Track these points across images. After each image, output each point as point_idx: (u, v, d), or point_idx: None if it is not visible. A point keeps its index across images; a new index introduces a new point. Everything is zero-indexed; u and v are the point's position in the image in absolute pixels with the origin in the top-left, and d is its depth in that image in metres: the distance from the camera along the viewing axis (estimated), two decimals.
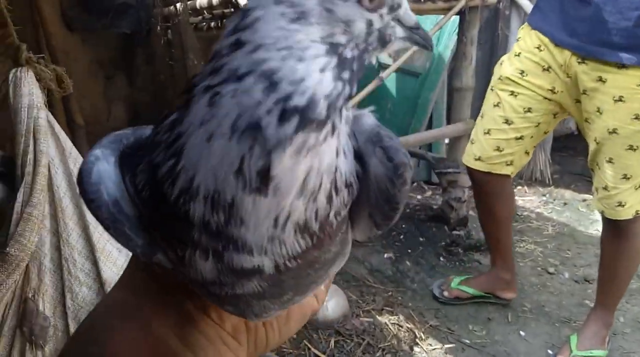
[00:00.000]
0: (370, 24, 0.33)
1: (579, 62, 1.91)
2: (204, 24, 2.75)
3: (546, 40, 1.99)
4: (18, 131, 1.26)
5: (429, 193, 3.89)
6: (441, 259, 3.04)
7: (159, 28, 3.13)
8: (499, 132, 2.13)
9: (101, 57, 4.00)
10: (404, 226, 3.28)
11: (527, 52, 2.04)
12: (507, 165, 2.18)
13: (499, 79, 2.12)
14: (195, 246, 0.30)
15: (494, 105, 2.13)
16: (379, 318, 2.48)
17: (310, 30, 0.30)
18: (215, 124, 0.28)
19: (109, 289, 1.34)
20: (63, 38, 3.47)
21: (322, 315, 2.35)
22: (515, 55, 2.09)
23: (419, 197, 3.81)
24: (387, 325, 2.44)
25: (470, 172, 2.32)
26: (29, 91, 1.30)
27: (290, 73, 0.28)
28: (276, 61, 0.28)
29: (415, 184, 4.00)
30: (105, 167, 0.33)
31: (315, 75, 0.29)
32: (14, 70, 1.37)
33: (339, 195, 0.32)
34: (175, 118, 0.31)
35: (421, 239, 3.18)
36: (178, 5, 2.66)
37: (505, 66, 2.12)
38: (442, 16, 2.77)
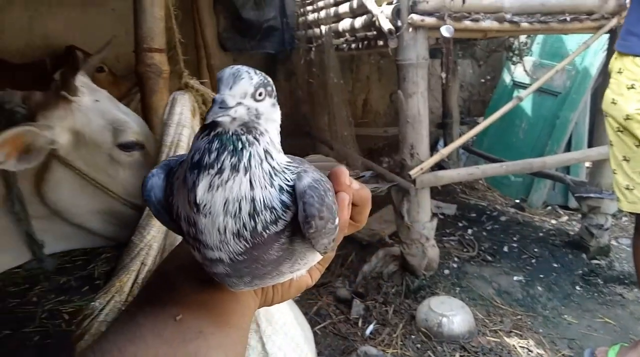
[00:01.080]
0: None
1: None
2: (345, 45, 2.95)
3: None
4: (164, 142, 1.49)
5: (564, 218, 3.67)
6: (577, 288, 2.86)
7: (301, 49, 3.41)
8: None
9: None
10: (536, 250, 3.14)
11: None
12: None
13: (626, 118, 1.95)
14: (189, 244, 0.47)
15: (637, 146, 1.97)
16: (507, 340, 2.41)
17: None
18: (178, 175, 0.47)
19: None
20: (219, 58, 3.93)
21: (447, 328, 2.36)
22: (629, 88, 1.92)
23: (553, 221, 3.61)
24: (515, 348, 2.37)
25: None
26: (180, 111, 1.55)
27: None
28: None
29: (549, 208, 3.80)
30: (156, 180, 0.50)
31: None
32: (174, 93, 1.62)
33: (261, 214, 0.44)
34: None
35: (555, 265, 3.02)
36: (323, 27, 2.89)
37: (623, 104, 1.95)
38: (590, 35, 2.65)
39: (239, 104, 0.43)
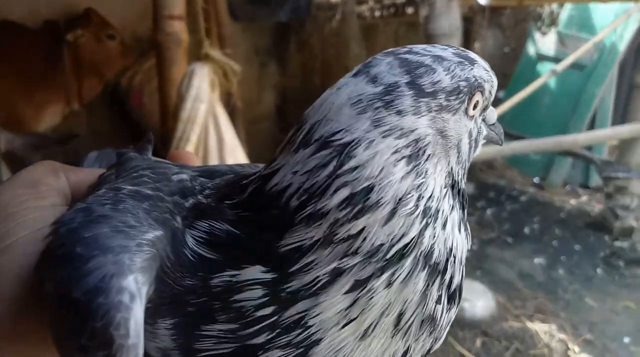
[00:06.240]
0: (470, 135, 0.30)
1: None
2: (368, 13, 2.79)
3: None
4: (180, 117, 1.39)
5: (584, 198, 3.56)
6: (598, 270, 2.79)
7: (319, 18, 3.24)
8: None
9: (258, 44, 4.27)
10: (557, 231, 3.06)
11: None
12: None
13: None
14: None
15: None
16: (529, 324, 2.35)
17: (434, 172, 0.26)
18: (370, 321, 0.24)
19: None
20: (229, 26, 3.74)
21: (469, 313, 2.30)
22: None
23: (572, 202, 3.51)
24: (538, 333, 2.31)
25: None
26: (198, 85, 1.44)
27: (443, 250, 0.26)
28: (428, 236, 0.25)
29: (568, 187, 3.70)
30: (139, 313, 0.22)
31: (461, 242, 0.27)
32: (192, 64, 1.50)
33: None
34: (273, 283, 0.24)
35: (576, 247, 2.94)
36: None
37: None
38: (632, 4, 2.49)
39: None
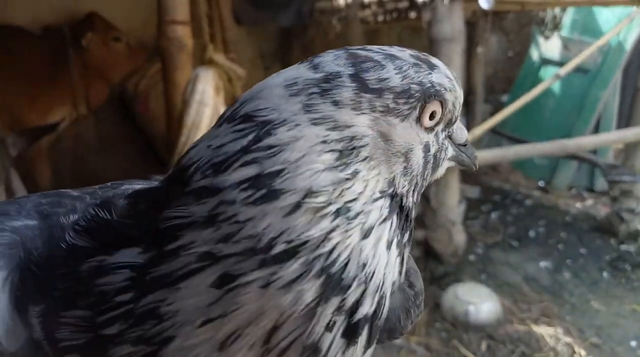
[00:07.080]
0: (427, 149, 0.26)
1: None
2: (371, 18, 2.81)
3: None
4: (185, 122, 1.40)
5: (589, 202, 3.55)
6: (604, 274, 2.78)
7: (324, 22, 3.26)
8: None
9: (262, 49, 4.30)
10: (562, 234, 3.05)
11: None
12: None
13: None
14: None
15: None
16: (534, 328, 2.34)
17: (367, 175, 0.22)
18: (233, 327, 0.20)
19: None
20: (233, 31, 3.76)
21: (474, 317, 2.29)
22: None
23: (578, 205, 3.50)
24: (544, 336, 2.30)
25: None
26: (203, 89, 1.45)
27: (354, 262, 0.20)
28: (335, 239, 0.20)
29: (573, 190, 3.69)
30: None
31: (386, 265, 0.21)
32: (197, 69, 1.51)
33: None
34: (144, 266, 0.21)
35: (582, 250, 2.93)
36: None
37: None
38: (634, 7, 2.49)
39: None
